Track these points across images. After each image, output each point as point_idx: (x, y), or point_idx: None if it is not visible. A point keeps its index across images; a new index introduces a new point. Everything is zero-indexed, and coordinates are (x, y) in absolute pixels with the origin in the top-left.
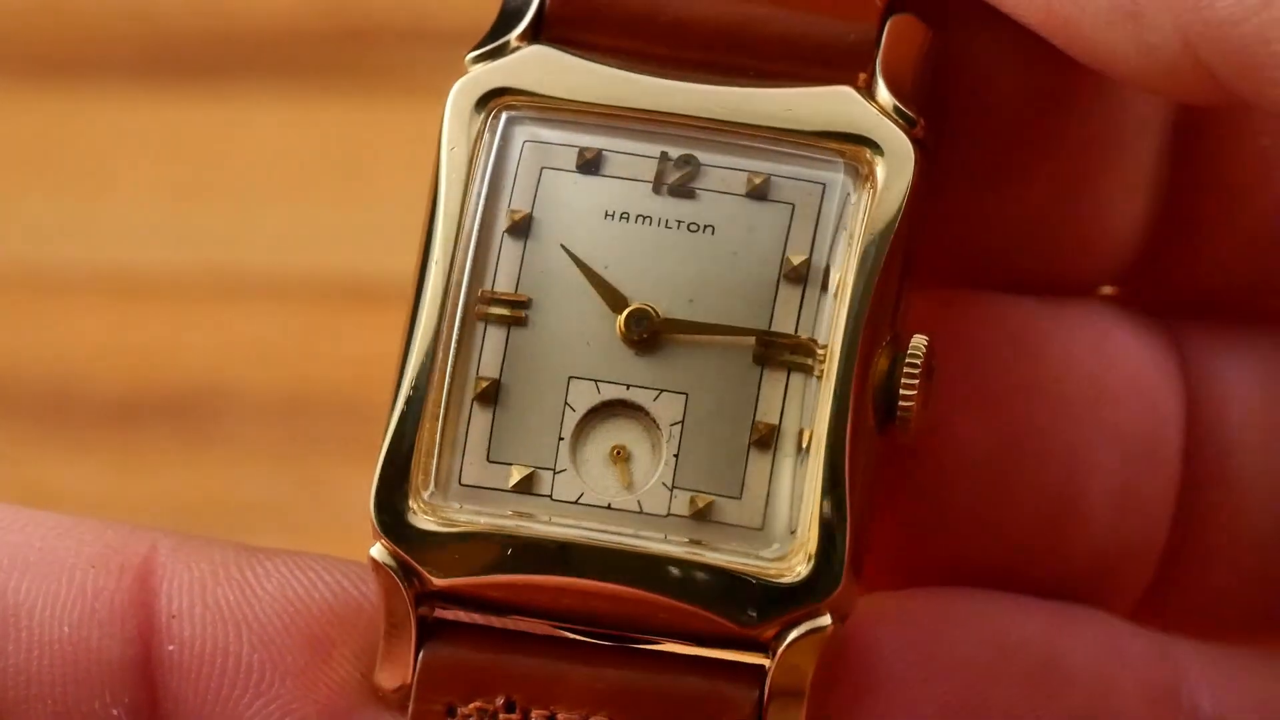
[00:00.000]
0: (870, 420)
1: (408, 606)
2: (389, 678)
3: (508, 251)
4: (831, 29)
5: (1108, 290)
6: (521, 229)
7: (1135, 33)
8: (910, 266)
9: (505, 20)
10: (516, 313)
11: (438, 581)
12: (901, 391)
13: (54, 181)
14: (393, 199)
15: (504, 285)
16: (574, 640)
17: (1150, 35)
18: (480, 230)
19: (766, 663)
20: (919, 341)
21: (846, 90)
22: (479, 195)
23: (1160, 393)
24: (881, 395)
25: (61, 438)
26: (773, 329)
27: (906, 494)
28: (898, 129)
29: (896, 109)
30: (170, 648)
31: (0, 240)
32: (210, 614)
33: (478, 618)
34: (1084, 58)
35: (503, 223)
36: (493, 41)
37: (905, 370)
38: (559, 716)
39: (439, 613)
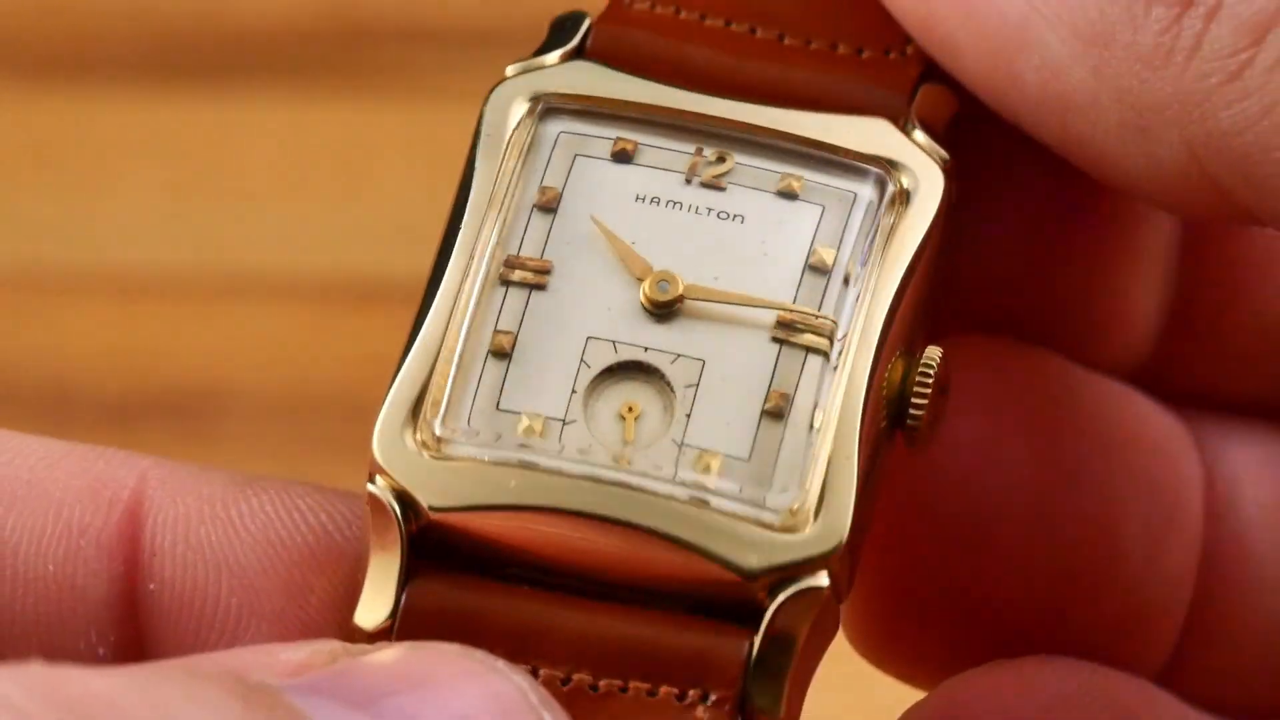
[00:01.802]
0: (882, 420)
1: (398, 541)
2: (369, 617)
3: (536, 223)
4: (865, 89)
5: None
6: (551, 205)
7: (1145, 147)
8: (930, 304)
9: (548, 46)
10: (539, 278)
11: (433, 515)
12: (913, 399)
13: (54, 181)
14: (393, 199)
15: (529, 252)
16: (561, 593)
17: (1159, 149)
18: (510, 204)
19: (755, 636)
20: (933, 351)
21: (883, 121)
22: (513, 173)
23: (1182, 458)
24: (894, 403)
25: (61, 438)
26: (795, 308)
27: (949, 513)
28: (929, 159)
29: (929, 145)
30: (151, 586)
31: (0, 240)
32: (192, 554)
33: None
34: (1099, 174)
35: (533, 198)
36: (533, 58)
37: (918, 377)
38: (541, 672)
39: (427, 565)
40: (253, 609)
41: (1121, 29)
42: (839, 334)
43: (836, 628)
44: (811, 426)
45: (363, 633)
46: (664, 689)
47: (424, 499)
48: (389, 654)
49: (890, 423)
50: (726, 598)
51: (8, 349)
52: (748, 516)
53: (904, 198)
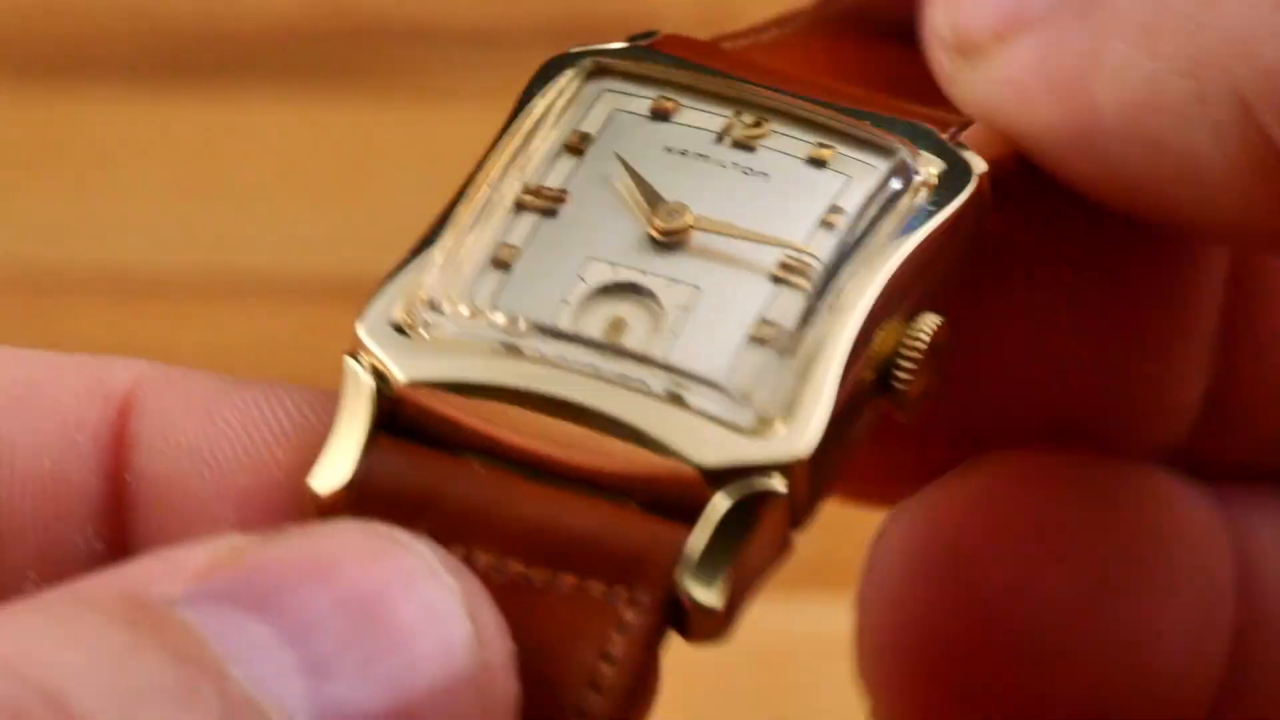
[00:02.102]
0: (869, 373)
1: (367, 412)
2: (323, 483)
3: (562, 162)
4: (920, 110)
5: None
6: (580, 147)
7: (1204, 112)
8: (943, 301)
9: None
10: (553, 204)
11: (405, 390)
12: (901, 356)
13: (54, 181)
14: (394, 199)
15: (551, 183)
16: (509, 478)
17: (1214, 110)
18: (541, 143)
19: (696, 530)
20: (930, 318)
21: (928, 126)
22: (547, 116)
23: (1217, 547)
24: (883, 363)
25: None
26: (803, 248)
27: (988, 644)
28: (967, 161)
29: (971, 156)
30: (128, 478)
31: (0, 240)
32: (166, 444)
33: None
34: (1178, 190)
35: (563, 139)
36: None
37: (909, 338)
38: (479, 557)
39: (390, 441)
40: (219, 492)
41: None
42: (840, 281)
43: (786, 551)
44: (795, 354)
45: (315, 497)
46: (593, 584)
47: (399, 372)
48: (288, 542)
49: (878, 381)
50: (681, 495)
51: None
52: (719, 418)
53: (931, 187)
